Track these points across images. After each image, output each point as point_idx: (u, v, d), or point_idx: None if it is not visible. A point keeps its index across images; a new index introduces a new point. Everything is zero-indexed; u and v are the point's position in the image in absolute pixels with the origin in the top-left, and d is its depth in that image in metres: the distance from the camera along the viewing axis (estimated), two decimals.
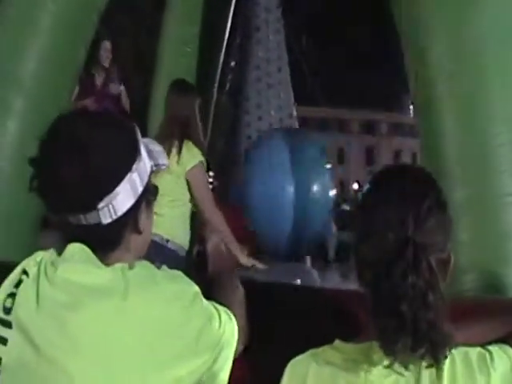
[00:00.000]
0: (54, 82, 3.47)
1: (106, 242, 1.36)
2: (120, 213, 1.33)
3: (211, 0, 6.64)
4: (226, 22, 7.11)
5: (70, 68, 3.61)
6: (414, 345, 1.08)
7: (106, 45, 6.25)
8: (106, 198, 1.31)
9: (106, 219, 1.32)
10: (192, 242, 3.94)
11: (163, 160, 1.47)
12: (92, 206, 1.30)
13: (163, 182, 3.60)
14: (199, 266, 1.87)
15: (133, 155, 1.35)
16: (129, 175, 1.33)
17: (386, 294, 1.11)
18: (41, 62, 3.39)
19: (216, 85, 7.58)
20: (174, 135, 3.83)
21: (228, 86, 15.38)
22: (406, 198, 1.18)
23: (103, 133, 1.33)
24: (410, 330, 1.08)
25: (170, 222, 3.80)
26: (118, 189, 1.32)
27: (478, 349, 1.15)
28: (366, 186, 1.31)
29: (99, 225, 1.32)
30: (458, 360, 1.12)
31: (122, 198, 1.32)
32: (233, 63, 15.03)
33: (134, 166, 1.34)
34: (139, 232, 1.40)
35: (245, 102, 15.94)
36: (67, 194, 1.29)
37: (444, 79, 2.79)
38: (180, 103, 3.97)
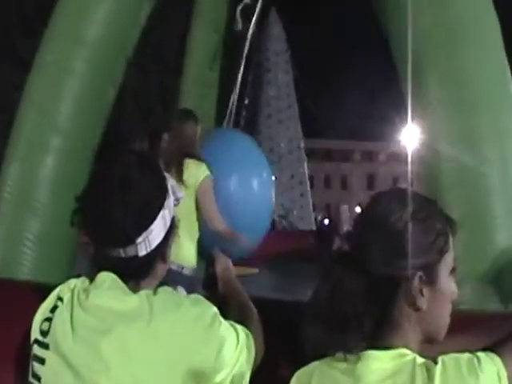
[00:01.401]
0: (86, 121, 3.49)
1: (139, 272, 1.35)
2: (153, 246, 1.33)
3: (228, 47, 6.69)
4: (240, 65, 7.19)
5: (100, 108, 3.64)
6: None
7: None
8: (144, 233, 1.31)
9: (142, 252, 1.32)
10: (200, 261, 3.88)
11: (180, 193, 1.46)
12: (132, 241, 1.30)
13: (181, 208, 3.56)
14: (210, 287, 1.81)
15: (163, 193, 1.36)
16: (162, 212, 1.34)
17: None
18: (75, 104, 3.42)
19: (232, 120, 7.64)
20: (179, 155, 3.78)
21: (243, 121, 15.45)
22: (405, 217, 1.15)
23: (141, 173, 1.33)
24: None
25: (186, 247, 3.74)
26: (154, 225, 1.32)
27: (467, 354, 1.12)
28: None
29: (136, 257, 1.32)
30: (449, 365, 1.09)
31: (156, 233, 1.33)
32: (246, 101, 15.11)
33: (166, 203, 1.35)
34: (166, 261, 1.39)
35: (257, 135, 15.94)
36: (112, 230, 1.30)
37: (436, 105, 2.77)
38: (184, 127, 3.94)
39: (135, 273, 1.34)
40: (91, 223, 1.31)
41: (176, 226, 1.41)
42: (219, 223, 3.77)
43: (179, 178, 3.63)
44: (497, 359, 1.09)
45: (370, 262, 1.11)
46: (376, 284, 1.11)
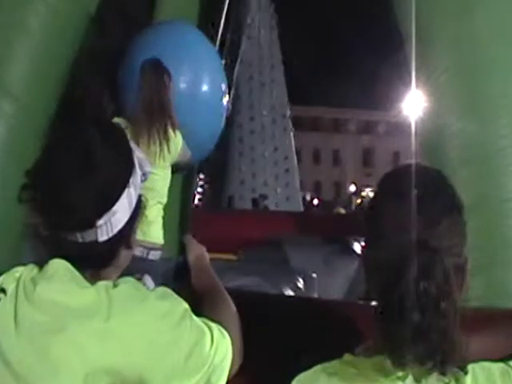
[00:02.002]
0: (41, 85, 3.46)
1: (99, 260, 1.34)
2: (116, 229, 1.32)
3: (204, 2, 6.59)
4: (220, 19, 7.10)
5: (58, 71, 3.60)
6: (424, 356, 1.08)
7: None
8: (106, 215, 1.29)
9: (103, 236, 1.31)
10: (171, 249, 3.86)
11: (148, 167, 1.45)
12: (91, 224, 1.29)
13: (151, 182, 3.55)
14: (181, 279, 1.81)
15: (129, 169, 1.35)
16: (126, 190, 1.33)
17: (396, 302, 1.11)
18: (29, 66, 3.38)
19: None
20: (151, 123, 3.71)
21: None
22: (418, 199, 1.18)
23: (103, 146, 1.31)
24: (420, 340, 1.07)
25: (155, 225, 3.72)
26: (117, 205, 1.31)
27: (501, 364, 1.15)
28: (375, 188, 1.31)
29: (95, 242, 1.30)
30: (481, 376, 1.12)
31: (120, 215, 1.32)
32: (223, 61, 14.98)
33: (131, 180, 1.34)
34: (130, 247, 1.39)
35: (236, 102, 15.83)
36: (69, 211, 1.27)
37: (445, 75, 2.80)
38: (155, 85, 3.82)
39: (94, 261, 1.33)
40: (43, 201, 1.28)
41: (143, 205, 1.41)
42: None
43: (150, 149, 3.58)
44: None
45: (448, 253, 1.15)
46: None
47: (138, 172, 1.37)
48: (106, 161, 1.30)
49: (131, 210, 1.34)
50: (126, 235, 1.35)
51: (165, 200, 3.69)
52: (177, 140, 3.67)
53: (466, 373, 1.09)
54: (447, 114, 2.80)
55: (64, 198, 1.27)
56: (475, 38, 2.83)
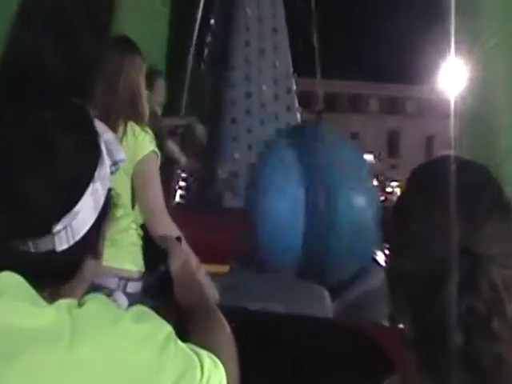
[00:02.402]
0: None
1: (58, 275, 1.35)
2: (79, 236, 1.32)
3: None
4: None
5: None
6: None
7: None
8: (65, 218, 1.30)
9: (62, 245, 1.31)
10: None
11: (121, 154, 1.45)
12: (47, 229, 1.29)
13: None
14: (161, 294, 1.80)
15: (94, 157, 1.35)
16: (91, 186, 1.33)
17: (434, 322, 1.11)
18: None
19: (192, 50, 7.51)
20: (115, 113, 3.65)
21: (207, 51, 15.34)
22: (457, 197, 1.19)
23: (62, 131, 1.32)
24: (470, 368, 1.08)
25: (128, 248, 3.63)
26: (79, 206, 1.31)
27: None
28: (404, 184, 1.33)
29: (53, 253, 1.30)
30: None
31: (83, 217, 1.32)
32: (212, 21, 14.99)
33: (97, 173, 1.34)
34: (98, 257, 1.39)
35: (229, 73, 15.85)
36: (17, 212, 1.27)
37: (493, 40, 2.81)
38: (122, 67, 3.77)
39: (51, 276, 1.34)
40: None
41: (114, 203, 1.42)
42: (163, 225, 3.50)
43: None
44: None
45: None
46: None
47: (105, 161, 1.38)
48: (64, 149, 1.30)
49: (98, 209, 1.35)
50: (91, 242, 1.34)
51: (139, 220, 3.61)
52: (141, 139, 3.59)
53: None
54: (496, 88, 2.82)
55: (11, 197, 1.26)
56: None
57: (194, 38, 7.12)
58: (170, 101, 7.13)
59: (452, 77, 3.25)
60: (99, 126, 1.45)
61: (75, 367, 1.22)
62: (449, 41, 2.91)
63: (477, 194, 1.23)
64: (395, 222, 1.30)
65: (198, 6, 7.00)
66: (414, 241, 1.22)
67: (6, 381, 1.21)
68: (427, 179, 1.32)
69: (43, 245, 1.30)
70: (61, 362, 1.22)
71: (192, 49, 7.18)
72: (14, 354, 1.22)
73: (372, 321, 5.16)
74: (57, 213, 1.29)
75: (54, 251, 1.30)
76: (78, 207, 1.31)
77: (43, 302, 1.29)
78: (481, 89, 2.94)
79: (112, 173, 1.42)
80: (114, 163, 1.42)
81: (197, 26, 7.16)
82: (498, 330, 1.10)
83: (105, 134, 1.43)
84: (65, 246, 1.31)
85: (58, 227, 1.29)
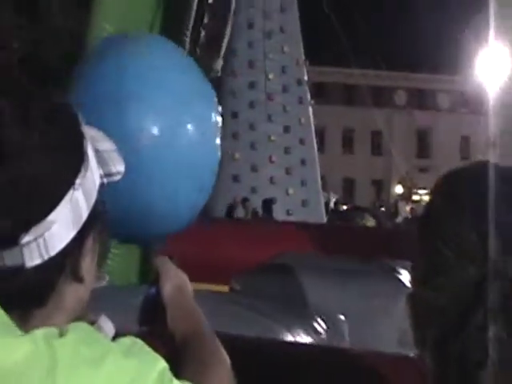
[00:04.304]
0: None
1: (27, 296, 1.35)
2: (54, 252, 1.32)
3: None
4: None
5: None
6: None
7: None
8: (35, 228, 1.29)
9: (33, 261, 1.30)
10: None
11: (118, 166, 1.47)
12: (12, 241, 1.29)
13: None
14: (152, 320, 1.81)
15: (76, 162, 1.36)
16: (70, 194, 1.34)
17: (458, 356, 1.13)
18: None
19: (188, 32, 7.51)
20: None
21: (204, 33, 15.34)
22: (497, 216, 1.21)
23: (38, 130, 1.33)
24: None
25: None
26: (53, 215, 1.32)
27: None
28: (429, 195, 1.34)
29: (21, 269, 1.30)
30: None
31: (59, 230, 1.33)
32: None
33: (78, 180, 1.35)
34: (79, 280, 1.39)
35: (230, 59, 15.87)
36: None
37: None
38: None
39: (20, 296, 1.33)
40: None
41: (105, 219, 1.42)
42: None
43: None
44: None
45: None
46: None
47: (93, 170, 1.40)
48: (29, 147, 1.32)
49: (80, 223, 1.35)
50: (71, 261, 1.35)
51: None
52: None
53: None
54: None
55: None
56: None
57: (192, 18, 7.15)
58: None
59: (491, 67, 3.29)
60: (94, 133, 1.46)
61: None
62: (488, 25, 2.95)
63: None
64: (422, 243, 1.31)
65: None
66: (442, 264, 1.23)
67: None
68: (457, 189, 1.32)
69: (10, 258, 1.30)
70: None
71: (188, 32, 7.20)
72: None
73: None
74: (24, 220, 1.29)
75: (23, 267, 1.30)
76: (51, 217, 1.31)
77: (16, 330, 1.28)
78: None
79: (103, 185, 1.43)
80: (108, 175, 1.43)
81: (194, 6, 7.19)
82: None
83: (102, 142, 1.45)
84: (36, 262, 1.30)
85: (26, 238, 1.29)
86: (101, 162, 1.43)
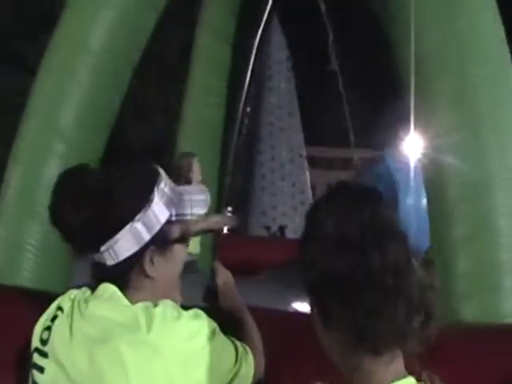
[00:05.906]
0: (90, 128, 3.51)
1: (116, 281, 1.43)
2: (122, 257, 1.43)
3: (234, 54, 6.61)
4: (246, 74, 7.11)
5: (105, 116, 3.65)
6: None
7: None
8: (108, 242, 1.41)
9: (109, 261, 1.43)
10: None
11: (202, 208, 1.43)
12: (96, 249, 1.42)
13: None
14: (210, 300, 1.78)
15: (138, 205, 1.43)
16: (130, 225, 1.41)
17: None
18: (79, 111, 3.43)
19: (236, 129, 7.52)
20: None
21: (244, 129, 15.40)
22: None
23: (112, 182, 1.44)
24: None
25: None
26: (119, 235, 1.41)
27: None
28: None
29: (105, 265, 1.43)
30: None
31: (123, 244, 1.42)
32: (248, 109, 15.07)
33: (138, 217, 1.42)
34: (147, 276, 1.36)
35: (259, 144, 16.12)
36: (74, 237, 1.40)
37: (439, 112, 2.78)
38: None
39: (113, 282, 1.41)
40: (58, 230, 1.40)
41: (164, 241, 1.43)
42: None
43: None
44: None
45: None
46: None
47: (158, 210, 1.40)
48: (104, 195, 1.34)
49: (141, 242, 1.41)
50: (136, 263, 1.41)
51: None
52: None
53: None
54: (442, 155, 2.80)
55: (64, 226, 1.36)
56: (469, 92, 2.81)
57: (238, 121, 7.14)
58: None
59: (413, 145, 3.23)
60: (193, 189, 1.50)
61: (148, 350, 1.31)
62: (410, 121, 2.87)
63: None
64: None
65: (241, 100, 7.03)
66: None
67: (97, 360, 1.33)
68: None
69: (99, 259, 1.42)
70: (138, 346, 1.32)
71: (236, 129, 7.15)
72: (104, 339, 1.34)
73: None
74: (100, 238, 1.37)
75: (105, 264, 1.40)
76: (116, 237, 1.39)
77: (128, 303, 1.38)
78: (433, 155, 2.87)
79: (171, 221, 1.42)
80: (180, 214, 1.44)
81: (240, 114, 7.19)
82: None
83: (195, 193, 1.44)
84: (111, 262, 1.40)
85: (103, 248, 1.39)
86: (176, 206, 1.44)
